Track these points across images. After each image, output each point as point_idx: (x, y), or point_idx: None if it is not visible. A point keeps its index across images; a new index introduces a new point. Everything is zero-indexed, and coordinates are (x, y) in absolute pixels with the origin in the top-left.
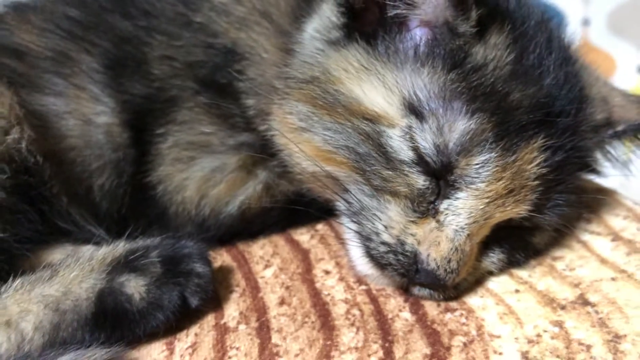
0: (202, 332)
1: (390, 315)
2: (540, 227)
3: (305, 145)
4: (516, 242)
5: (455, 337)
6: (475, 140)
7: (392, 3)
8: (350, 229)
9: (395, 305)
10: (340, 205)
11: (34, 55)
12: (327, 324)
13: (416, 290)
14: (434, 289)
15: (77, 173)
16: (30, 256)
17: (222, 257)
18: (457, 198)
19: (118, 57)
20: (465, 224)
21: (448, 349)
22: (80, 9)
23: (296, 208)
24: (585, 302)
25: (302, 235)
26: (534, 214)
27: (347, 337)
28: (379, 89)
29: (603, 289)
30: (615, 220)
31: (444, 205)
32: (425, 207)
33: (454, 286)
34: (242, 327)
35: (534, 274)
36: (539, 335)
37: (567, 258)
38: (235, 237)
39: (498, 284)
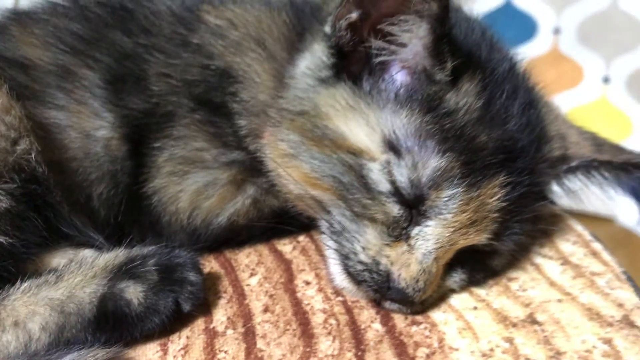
0: (193, 335)
1: (363, 326)
2: (499, 252)
3: (294, 171)
4: (476, 264)
5: (420, 348)
6: (445, 177)
7: (376, 52)
8: (330, 247)
9: (368, 317)
10: (323, 224)
11: (38, 69)
12: (306, 332)
13: (387, 304)
14: (403, 304)
15: (78, 182)
16: (35, 259)
17: (210, 264)
18: (427, 226)
19: (118, 73)
20: (433, 249)
21: (413, 359)
22: (83, 24)
23: (281, 221)
24: (534, 321)
25: (285, 246)
26: (494, 241)
27: (325, 345)
28: (362, 127)
29: (550, 309)
30: (565, 245)
31: (415, 231)
32: (398, 232)
33: (420, 302)
34: (229, 331)
35: (491, 293)
36: (492, 350)
37: (521, 279)
38: (223, 246)
39: (459, 300)
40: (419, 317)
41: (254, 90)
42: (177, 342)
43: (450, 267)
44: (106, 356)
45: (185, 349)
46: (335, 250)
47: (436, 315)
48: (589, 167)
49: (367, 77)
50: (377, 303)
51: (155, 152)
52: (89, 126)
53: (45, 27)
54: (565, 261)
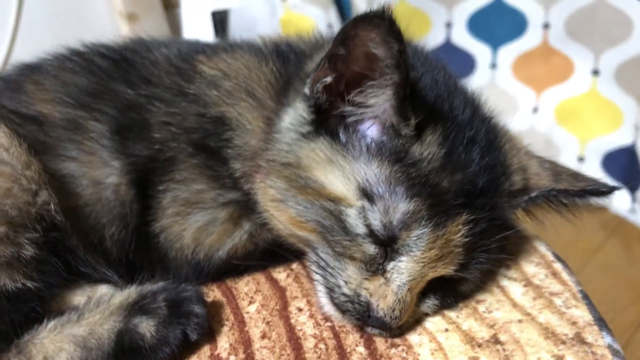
0: None
1: (348, 350)
2: (467, 279)
3: (282, 214)
4: (447, 290)
5: None
6: (413, 219)
7: (348, 112)
8: (318, 280)
9: (353, 341)
10: (311, 258)
11: (51, 123)
12: (299, 356)
13: (369, 329)
14: (382, 329)
15: (91, 226)
16: (58, 298)
17: (213, 293)
18: (400, 261)
19: (123, 123)
20: (406, 281)
21: None
22: (89, 78)
23: (275, 251)
24: (497, 341)
25: (280, 274)
26: (460, 271)
27: None
28: (339, 177)
29: (511, 329)
30: (529, 267)
31: (390, 266)
32: (376, 267)
33: (398, 327)
34: (232, 357)
35: (461, 315)
36: None
37: (488, 301)
38: (225, 275)
39: (432, 323)
40: (397, 340)
41: (246, 137)
42: None
43: (423, 294)
44: None
45: None
46: (322, 283)
47: (412, 337)
48: (548, 196)
49: (343, 131)
50: (360, 328)
51: (160, 195)
52: (99, 174)
53: (56, 83)
54: (527, 282)
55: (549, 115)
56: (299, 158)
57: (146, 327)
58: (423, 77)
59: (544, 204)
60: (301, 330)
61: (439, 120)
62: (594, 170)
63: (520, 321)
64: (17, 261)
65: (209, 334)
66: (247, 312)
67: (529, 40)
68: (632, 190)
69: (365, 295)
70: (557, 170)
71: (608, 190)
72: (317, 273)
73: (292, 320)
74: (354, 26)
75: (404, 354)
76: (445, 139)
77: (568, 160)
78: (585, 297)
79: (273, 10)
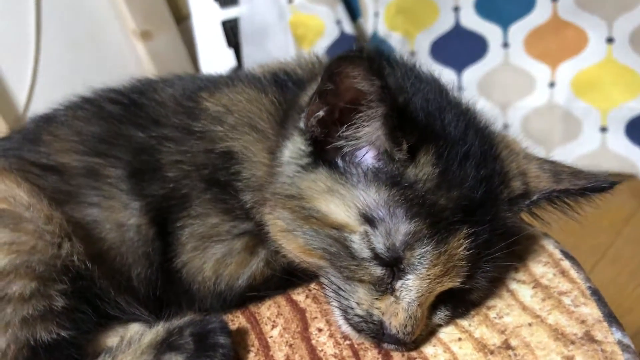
0: None
1: None
2: (475, 288)
3: (291, 243)
4: (457, 300)
5: None
6: (415, 238)
7: (343, 142)
8: (332, 302)
9: (372, 357)
10: (324, 281)
11: (70, 173)
12: None
13: (385, 345)
14: (398, 345)
15: (118, 268)
16: (92, 342)
17: (238, 319)
18: (408, 279)
19: (138, 167)
20: (415, 297)
21: None
22: (101, 124)
23: (292, 274)
24: (508, 347)
25: (299, 295)
26: (467, 282)
27: None
28: (340, 206)
29: (522, 334)
30: (537, 267)
31: (398, 284)
32: (385, 287)
33: (412, 341)
34: None
35: (473, 323)
36: None
37: (498, 307)
38: (247, 302)
39: (446, 334)
40: (413, 353)
41: (253, 169)
42: None
43: (434, 306)
44: None
45: None
46: (336, 305)
47: (428, 349)
48: (550, 197)
49: (340, 160)
50: (377, 344)
51: (178, 231)
52: (121, 217)
53: (70, 132)
54: (536, 284)
55: (566, 89)
56: (300, 190)
57: None
58: (414, 98)
59: (547, 205)
60: (322, 350)
61: (432, 140)
62: (619, 139)
63: (530, 324)
64: (50, 313)
65: None
66: (271, 337)
67: (539, 15)
68: None
69: (377, 314)
70: (557, 170)
71: (609, 186)
72: (331, 296)
73: (314, 342)
74: (338, 65)
75: None
76: (439, 157)
77: (590, 132)
78: (595, 293)
79: (281, 14)
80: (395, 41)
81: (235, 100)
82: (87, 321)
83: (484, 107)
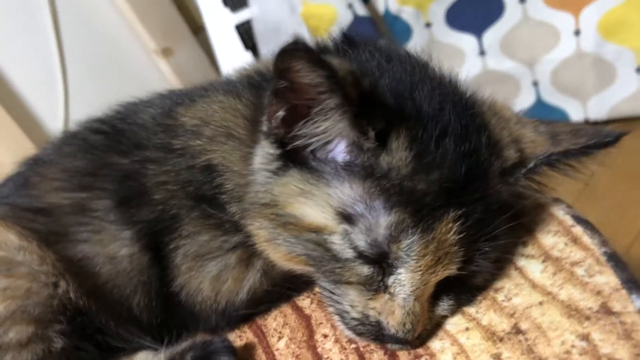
0: None
1: None
2: (477, 272)
3: (276, 252)
4: (460, 287)
5: None
6: (398, 229)
7: (310, 139)
8: (329, 307)
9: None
10: (319, 287)
11: (59, 211)
12: None
13: (389, 346)
14: (401, 344)
15: (117, 299)
16: None
17: (246, 335)
18: (399, 273)
19: (124, 194)
20: (410, 292)
21: None
22: (87, 157)
23: (293, 281)
24: (518, 331)
25: (304, 301)
26: (466, 268)
27: None
28: (315, 207)
29: (532, 315)
30: (546, 238)
31: (390, 280)
32: (377, 285)
33: (417, 337)
34: None
35: (480, 310)
36: None
37: (506, 288)
38: (253, 315)
39: (453, 325)
40: (420, 350)
41: (235, 179)
42: None
43: (436, 297)
44: None
45: None
46: (333, 310)
47: (434, 344)
48: (549, 162)
49: (311, 159)
50: (382, 346)
51: (172, 254)
52: (112, 249)
53: (57, 170)
54: (546, 257)
55: (593, 34)
56: (274, 196)
57: None
58: (381, 80)
59: (548, 170)
60: (328, 358)
61: (403, 123)
62: None
63: (540, 303)
64: (50, 355)
65: None
66: (277, 349)
67: None
68: None
69: (373, 315)
70: (554, 131)
71: (613, 140)
72: (326, 301)
73: (319, 349)
74: (281, 60)
75: None
76: (412, 140)
77: (626, 75)
78: (611, 258)
79: (292, 8)
80: (409, 15)
81: (210, 110)
82: (89, 358)
83: (510, 67)
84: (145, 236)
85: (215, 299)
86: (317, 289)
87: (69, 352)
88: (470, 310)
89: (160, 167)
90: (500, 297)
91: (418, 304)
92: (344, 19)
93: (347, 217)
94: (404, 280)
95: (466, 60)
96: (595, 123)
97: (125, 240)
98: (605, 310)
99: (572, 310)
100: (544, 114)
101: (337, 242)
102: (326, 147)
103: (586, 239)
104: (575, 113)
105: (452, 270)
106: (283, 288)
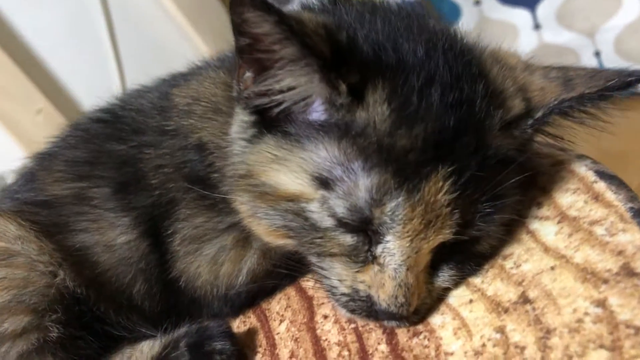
0: None
1: (370, 350)
2: (481, 237)
3: (259, 227)
4: (462, 255)
5: None
6: (381, 192)
7: (281, 100)
8: (321, 285)
9: (375, 339)
10: (310, 262)
11: (60, 202)
12: None
13: (386, 322)
14: (396, 320)
15: (117, 288)
16: None
17: (250, 320)
18: (387, 241)
19: (121, 180)
20: (401, 261)
21: None
22: (87, 147)
23: (295, 260)
24: (525, 300)
25: (308, 282)
26: (464, 232)
27: None
28: (289, 174)
29: (542, 281)
30: (564, 197)
31: (379, 250)
32: (364, 256)
33: (414, 312)
34: None
35: (486, 279)
36: (483, 346)
37: (515, 254)
38: (257, 299)
39: (456, 297)
40: (419, 327)
41: (224, 156)
42: None
43: (435, 268)
44: None
45: None
46: (324, 288)
47: (435, 319)
48: (561, 109)
49: (284, 123)
50: (379, 323)
51: (170, 239)
52: (111, 237)
53: (60, 162)
54: (562, 217)
55: None
56: (249, 166)
57: None
58: (359, 32)
59: (562, 120)
60: (326, 340)
61: (381, 74)
62: None
63: (552, 268)
64: (46, 344)
65: None
66: (278, 333)
67: None
68: None
69: (363, 289)
70: (568, 76)
71: (636, 79)
72: (318, 279)
73: (318, 331)
74: (233, 13)
75: (425, 342)
76: (392, 92)
77: None
78: (637, 215)
79: None
80: None
81: (202, 88)
82: (87, 347)
83: (569, 39)
84: (143, 222)
85: (214, 283)
86: None
87: (65, 341)
88: (476, 280)
89: (156, 150)
90: (508, 264)
91: (411, 275)
92: (392, 2)
93: (324, 183)
94: (393, 249)
95: (520, 35)
96: None
97: (124, 228)
98: (627, 271)
99: (587, 274)
100: None
101: (315, 210)
102: (299, 108)
103: (609, 195)
104: None
105: (446, 235)
106: (284, 269)
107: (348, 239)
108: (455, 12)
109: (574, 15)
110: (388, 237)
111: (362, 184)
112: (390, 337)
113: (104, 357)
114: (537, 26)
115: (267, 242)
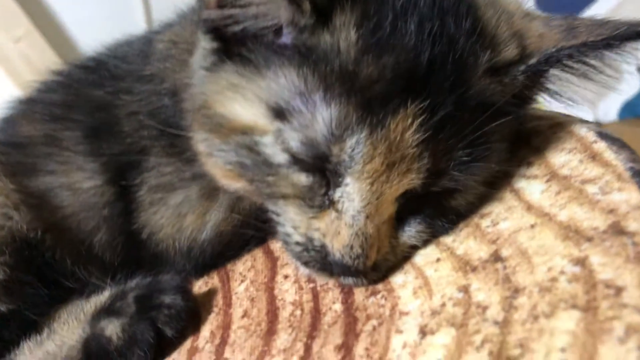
0: (179, 357)
1: (324, 310)
2: (456, 190)
3: (215, 168)
4: (434, 209)
5: (369, 321)
6: (341, 126)
7: (242, 22)
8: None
9: (331, 299)
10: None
11: (32, 144)
12: (271, 329)
13: (342, 279)
14: (354, 276)
15: (77, 235)
16: (44, 319)
17: (212, 281)
18: (346, 184)
19: (94, 125)
20: (361, 207)
21: (358, 335)
22: (63, 92)
23: (264, 222)
24: (497, 259)
25: (277, 243)
26: (437, 181)
27: (281, 340)
28: (245, 102)
29: (519, 239)
30: (558, 157)
31: (337, 194)
32: (320, 200)
33: (374, 268)
34: (207, 346)
35: (458, 238)
36: (443, 305)
37: (494, 212)
38: (222, 259)
39: (423, 256)
40: (379, 286)
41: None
42: None
43: (403, 222)
44: None
45: None
46: (281, 238)
47: (396, 278)
48: (560, 58)
49: (245, 50)
50: (335, 279)
51: (136, 188)
52: (77, 181)
53: (38, 106)
54: (552, 176)
55: None
56: (205, 96)
57: (112, 328)
58: None
59: (560, 72)
60: (282, 299)
61: None
62: None
63: (532, 226)
64: None
65: (197, 325)
66: (236, 293)
67: None
68: None
69: (318, 237)
70: (572, 24)
71: None
72: (275, 229)
73: (276, 291)
74: None
75: (382, 301)
76: (362, 16)
77: None
78: (638, 175)
79: None
80: None
81: (181, 31)
82: (35, 295)
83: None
84: (111, 169)
85: (176, 236)
86: None
87: (11, 285)
88: (447, 239)
89: (131, 96)
90: (485, 222)
91: (371, 224)
92: None
93: (280, 113)
94: (352, 193)
95: None
96: None
97: (91, 172)
98: (616, 229)
99: (570, 232)
100: None
101: (269, 145)
102: (259, 28)
103: (609, 154)
104: None
105: (413, 181)
106: (252, 229)
107: (302, 178)
108: None
109: None
110: (347, 180)
111: (321, 116)
112: (347, 296)
113: (52, 308)
114: None
115: (224, 185)
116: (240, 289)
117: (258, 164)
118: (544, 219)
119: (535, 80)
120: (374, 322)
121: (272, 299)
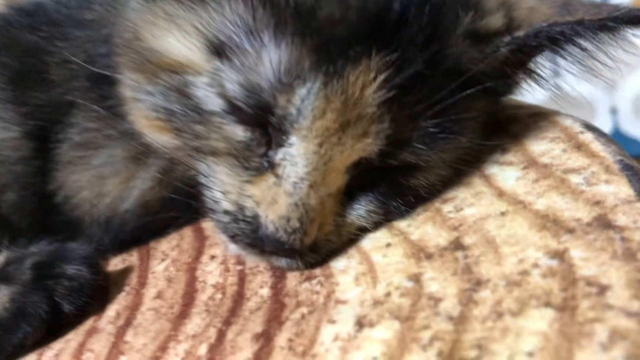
0: (75, 337)
1: (248, 294)
2: (418, 167)
3: (138, 117)
4: (389, 187)
5: (299, 309)
6: (292, 72)
7: None
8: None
9: (259, 283)
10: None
11: None
12: (184, 312)
13: (274, 260)
14: (289, 257)
15: None
16: None
17: (131, 259)
18: (291, 144)
19: (20, 70)
20: (304, 173)
21: (282, 324)
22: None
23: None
24: (458, 246)
25: (210, 222)
26: (397, 153)
27: (192, 324)
28: (179, 34)
29: (485, 227)
30: (538, 145)
31: (279, 155)
32: (257, 161)
33: (312, 249)
34: (109, 327)
35: (414, 222)
36: (388, 294)
37: (459, 197)
38: (147, 234)
39: (371, 240)
40: (316, 270)
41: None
42: (54, 347)
43: (353, 198)
44: None
45: (57, 354)
46: (206, 205)
47: (338, 263)
48: (550, 36)
49: None
50: (265, 259)
51: (57, 145)
52: None
53: None
54: (530, 164)
55: None
56: (135, 26)
57: (1, 298)
58: None
59: (552, 53)
60: (203, 281)
61: None
62: None
63: (503, 214)
64: None
65: (104, 304)
66: (153, 272)
67: None
68: None
69: (250, 206)
70: (567, 1)
71: None
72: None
73: (198, 272)
74: None
75: (317, 287)
76: None
77: None
78: (628, 168)
79: None
80: None
81: None
82: None
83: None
84: (32, 121)
85: (95, 202)
86: None
87: None
88: (401, 223)
89: (66, 43)
90: (447, 208)
91: (315, 195)
92: None
93: (220, 50)
94: (296, 155)
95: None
96: None
97: (7, 122)
98: (602, 222)
99: (548, 222)
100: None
101: (202, 87)
102: None
103: (596, 145)
104: None
105: (370, 146)
106: (183, 203)
107: (238, 132)
108: None
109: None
110: (292, 139)
111: (268, 57)
112: (278, 280)
113: None
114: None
115: (150, 140)
116: (159, 268)
117: (187, 110)
118: (517, 206)
119: (521, 58)
120: (304, 309)
121: (192, 281)
